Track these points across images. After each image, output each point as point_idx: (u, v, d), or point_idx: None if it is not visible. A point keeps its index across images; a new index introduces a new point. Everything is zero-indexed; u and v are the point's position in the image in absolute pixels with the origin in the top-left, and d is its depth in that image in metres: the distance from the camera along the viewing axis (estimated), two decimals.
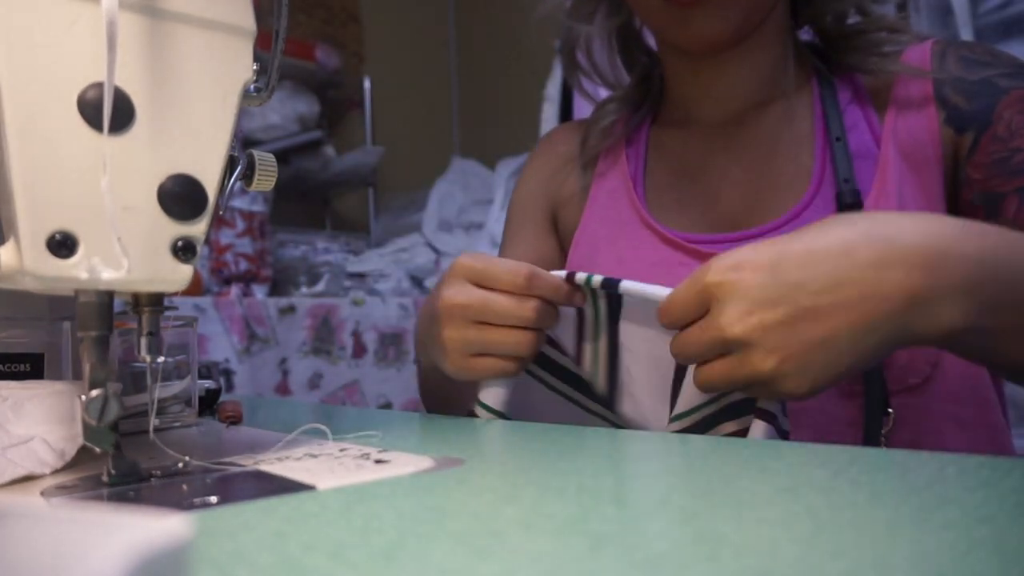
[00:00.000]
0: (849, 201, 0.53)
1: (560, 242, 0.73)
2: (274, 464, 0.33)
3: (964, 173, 0.53)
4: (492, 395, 0.48)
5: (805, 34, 0.64)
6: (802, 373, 0.36)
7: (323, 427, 0.39)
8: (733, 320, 0.36)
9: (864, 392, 0.50)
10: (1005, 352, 0.38)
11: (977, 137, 0.53)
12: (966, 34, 1.36)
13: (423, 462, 0.32)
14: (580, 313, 0.48)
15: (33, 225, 0.27)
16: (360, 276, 2.16)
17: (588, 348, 0.49)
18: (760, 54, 0.60)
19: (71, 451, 0.34)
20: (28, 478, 0.32)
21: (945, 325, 0.36)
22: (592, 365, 0.49)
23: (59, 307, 0.45)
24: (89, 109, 0.28)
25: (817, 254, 0.35)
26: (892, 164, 0.54)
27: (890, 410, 0.50)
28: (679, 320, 0.40)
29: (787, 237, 0.37)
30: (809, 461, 0.29)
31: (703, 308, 0.38)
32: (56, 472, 0.33)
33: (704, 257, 0.57)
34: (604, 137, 0.68)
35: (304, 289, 2.05)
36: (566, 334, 0.49)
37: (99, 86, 0.28)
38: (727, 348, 0.37)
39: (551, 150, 0.74)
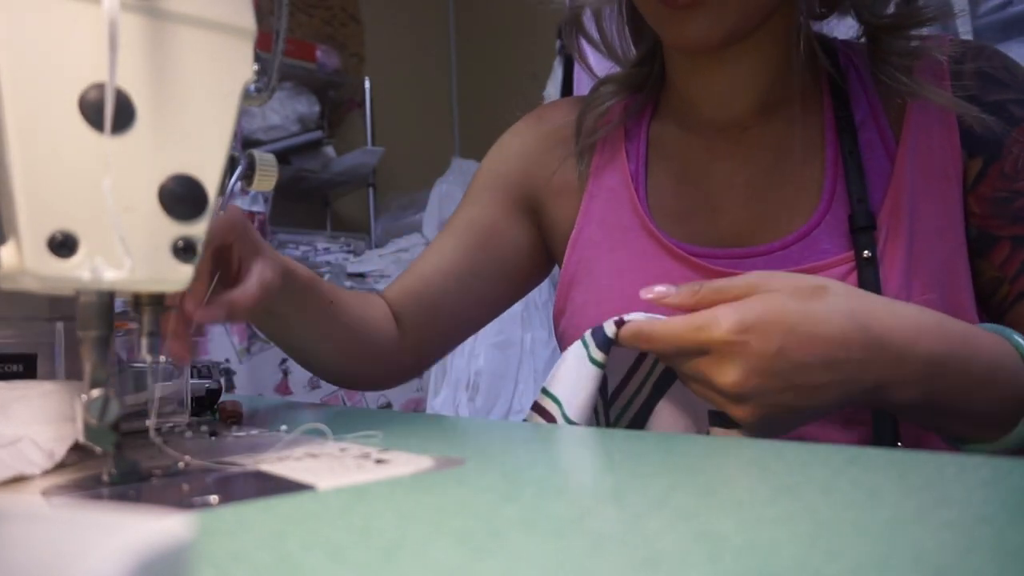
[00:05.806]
0: (862, 224, 0.52)
1: (540, 230, 0.69)
2: (274, 464, 0.33)
3: (966, 201, 0.53)
4: (562, 388, 0.46)
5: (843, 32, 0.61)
6: (771, 428, 0.41)
7: (323, 427, 0.39)
8: (733, 379, 0.40)
9: (872, 422, 0.50)
10: (948, 427, 0.45)
11: (984, 167, 0.52)
12: (965, 34, 1.36)
13: (423, 462, 0.32)
14: (641, 357, 0.48)
15: (34, 225, 0.27)
16: (360, 276, 2.16)
17: (633, 384, 0.49)
18: (765, 52, 0.57)
19: (60, 451, 0.34)
20: (18, 479, 0.31)
21: (895, 403, 0.42)
22: (623, 407, 0.49)
23: (54, 307, 0.45)
24: (90, 109, 0.28)
25: (818, 340, 0.39)
26: (907, 182, 0.52)
27: (899, 443, 0.49)
28: (664, 352, 0.43)
29: (795, 307, 0.40)
30: (809, 461, 0.29)
31: (698, 351, 0.41)
32: (54, 472, 0.33)
33: (710, 275, 0.55)
34: (599, 120, 0.64)
35: None
36: (618, 370, 0.49)
37: (100, 87, 0.28)
38: (715, 389, 0.41)
39: (541, 127, 0.69)
